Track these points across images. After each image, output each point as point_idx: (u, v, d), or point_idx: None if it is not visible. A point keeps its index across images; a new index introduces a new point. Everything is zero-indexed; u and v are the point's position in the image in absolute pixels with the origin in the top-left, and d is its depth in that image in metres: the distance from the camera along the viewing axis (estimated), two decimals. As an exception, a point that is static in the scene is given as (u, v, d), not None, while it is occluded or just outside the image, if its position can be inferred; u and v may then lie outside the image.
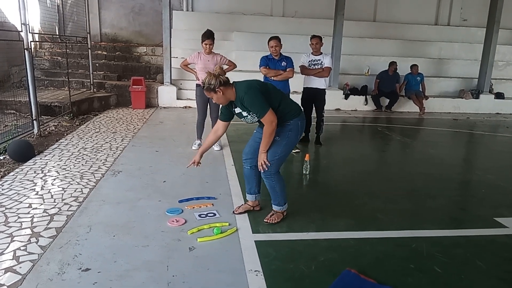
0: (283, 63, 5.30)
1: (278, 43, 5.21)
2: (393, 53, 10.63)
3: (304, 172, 4.44)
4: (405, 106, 9.59)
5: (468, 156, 6.43)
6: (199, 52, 5.25)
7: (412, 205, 3.76)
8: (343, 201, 3.78)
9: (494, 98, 10.09)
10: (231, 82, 3.01)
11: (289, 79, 5.42)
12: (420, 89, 9.50)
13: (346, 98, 9.49)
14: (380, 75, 9.38)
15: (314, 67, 5.66)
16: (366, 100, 9.54)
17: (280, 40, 5.25)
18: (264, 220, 3.18)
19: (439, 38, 11.62)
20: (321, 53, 5.73)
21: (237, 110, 3.05)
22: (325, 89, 5.92)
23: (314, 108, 5.97)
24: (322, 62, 5.65)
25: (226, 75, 2.99)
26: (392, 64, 9.28)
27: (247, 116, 3.01)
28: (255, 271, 2.50)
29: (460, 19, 12.32)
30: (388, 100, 9.43)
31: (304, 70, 5.72)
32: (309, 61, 5.69)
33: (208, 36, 5.09)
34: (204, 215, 3.22)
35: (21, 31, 5.53)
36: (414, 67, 9.46)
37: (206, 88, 2.94)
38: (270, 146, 3.02)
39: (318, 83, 5.76)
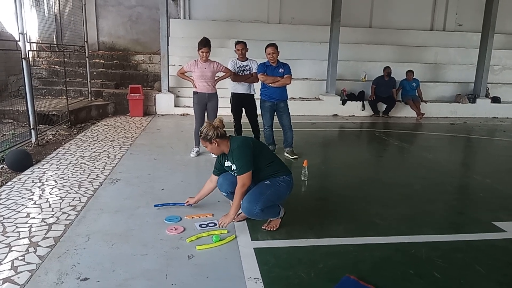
0: (281, 70, 5.32)
1: (275, 50, 5.23)
2: (389, 59, 10.70)
3: (302, 178, 4.44)
4: (402, 111, 9.63)
5: (466, 160, 6.45)
6: (195, 60, 5.26)
7: (411, 210, 3.76)
8: (342, 207, 3.78)
9: (491, 102, 10.13)
10: (227, 135, 3.13)
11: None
12: (416, 95, 9.55)
13: (343, 103, 9.52)
14: (376, 81, 9.42)
15: (242, 73, 5.56)
16: (363, 105, 9.57)
17: (277, 47, 5.28)
18: (262, 228, 3.18)
19: (434, 43, 11.72)
20: (247, 59, 5.62)
21: (227, 163, 3.17)
22: (254, 94, 5.73)
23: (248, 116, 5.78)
24: (250, 67, 5.55)
25: (224, 128, 3.10)
26: (386, 68, 9.33)
27: (235, 170, 3.09)
28: (254, 278, 2.50)
29: (455, 24, 12.44)
30: (385, 106, 9.47)
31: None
32: (238, 67, 5.56)
33: (205, 44, 5.11)
34: (205, 225, 3.21)
35: (19, 40, 5.54)
36: (409, 73, 9.50)
37: (202, 138, 3.08)
38: (259, 188, 3.07)
39: (247, 88, 5.63)
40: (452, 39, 11.93)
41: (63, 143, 5.93)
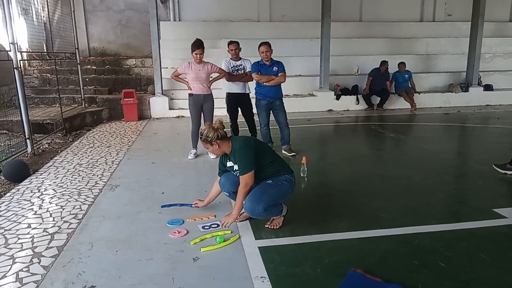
0: (275, 68, 5.31)
1: (268, 48, 5.22)
2: (381, 52, 10.74)
3: (302, 175, 4.45)
4: (396, 103, 9.68)
5: (463, 149, 6.49)
6: (189, 62, 5.25)
7: (412, 201, 3.77)
8: (343, 201, 3.79)
9: (483, 90, 10.21)
10: (228, 135, 3.13)
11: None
12: (409, 86, 9.59)
13: (337, 98, 9.54)
14: (373, 73, 9.43)
15: (237, 73, 5.55)
16: (357, 99, 9.60)
17: (271, 45, 5.27)
18: (266, 226, 3.19)
19: (425, 34, 11.77)
20: (240, 58, 5.61)
21: (229, 163, 3.18)
22: (249, 93, 5.74)
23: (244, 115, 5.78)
24: (244, 67, 5.55)
25: (224, 129, 3.10)
26: (384, 63, 9.36)
27: (237, 170, 3.09)
28: (261, 277, 2.50)
29: (444, 14, 12.51)
30: (379, 99, 9.50)
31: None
32: (232, 67, 5.54)
33: (198, 45, 5.09)
34: (208, 227, 3.20)
35: (10, 50, 5.49)
36: (401, 64, 9.54)
37: (203, 139, 3.08)
38: (261, 187, 3.07)
39: (242, 88, 5.63)
40: (442, 29, 12.00)
41: (59, 151, 5.89)
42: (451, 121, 8.16)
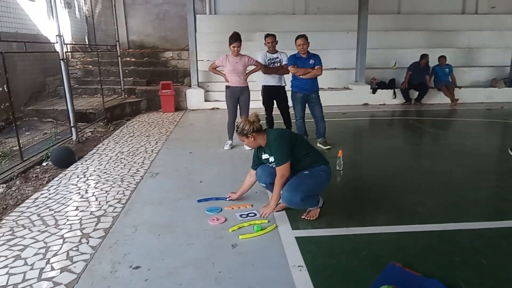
0: (311, 61, 5.30)
1: (305, 41, 5.21)
2: (420, 45, 10.44)
3: (337, 168, 4.44)
4: (435, 98, 9.38)
5: (506, 146, 6.20)
6: (226, 55, 5.32)
7: (452, 197, 3.69)
8: (381, 195, 3.76)
9: (529, 86, 9.74)
10: (263, 128, 3.19)
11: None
12: (450, 80, 9.28)
13: (373, 92, 9.38)
14: (413, 67, 9.19)
15: (273, 65, 5.55)
16: (394, 93, 9.40)
17: (307, 38, 5.25)
18: (302, 217, 3.22)
19: (467, 27, 11.32)
20: (277, 51, 5.60)
21: (264, 156, 3.24)
22: (285, 86, 5.72)
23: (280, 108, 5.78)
24: (280, 59, 5.53)
25: (259, 122, 3.16)
26: (424, 57, 9.10)
27: (273, 162, 3.14)
28: (298, 266, 2.54)
29: (488, 6, 11.97)
30: (416, 93, 9.26)
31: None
32: (268, 59, 5.54)
33: (236, 38, 5.15)
34: (245, 215, 3.28)
35: (56, 42, 5.75)
36: (441, 58, 9.23)
37: (239, 132, 3.16)
38: (299, 178, 3.10)
39: (278, 80, 5.63)
40: (485, 22, 11.49)
41: (101, 139, 6.14)
42: (493, 117, 7.85)
